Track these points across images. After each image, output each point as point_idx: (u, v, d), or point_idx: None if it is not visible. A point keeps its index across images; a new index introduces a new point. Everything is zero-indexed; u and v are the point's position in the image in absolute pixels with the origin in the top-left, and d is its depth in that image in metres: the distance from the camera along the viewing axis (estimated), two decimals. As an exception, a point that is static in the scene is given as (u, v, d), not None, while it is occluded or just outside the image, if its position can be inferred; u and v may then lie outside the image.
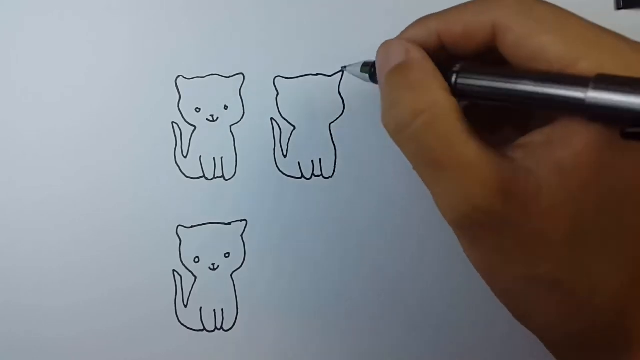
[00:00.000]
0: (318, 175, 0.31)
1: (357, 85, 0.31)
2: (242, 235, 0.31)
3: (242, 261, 0.31)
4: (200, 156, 0.31)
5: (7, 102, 0.31)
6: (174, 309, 0.31)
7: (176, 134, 0.31)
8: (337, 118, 0.31)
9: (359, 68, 0.26)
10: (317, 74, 0.31)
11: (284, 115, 0.31)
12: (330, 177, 0.31)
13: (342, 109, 0.31)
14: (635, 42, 0.19)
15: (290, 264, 0.31)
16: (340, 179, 0.31)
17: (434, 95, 0.20)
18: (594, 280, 0.19)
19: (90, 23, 0.31)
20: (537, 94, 0.19)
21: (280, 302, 0.31)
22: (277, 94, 0.31)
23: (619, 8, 0.30)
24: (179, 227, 0.31)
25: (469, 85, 0.21)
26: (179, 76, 0.31)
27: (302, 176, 0.31)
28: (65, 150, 0.31)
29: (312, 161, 0.31)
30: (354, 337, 0.31)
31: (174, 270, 0.31)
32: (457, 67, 0.21)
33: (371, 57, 0.31)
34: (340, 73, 0.31)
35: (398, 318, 0.31)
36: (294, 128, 0.31)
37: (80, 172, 0.31)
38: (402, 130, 0.21)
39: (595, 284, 0.19)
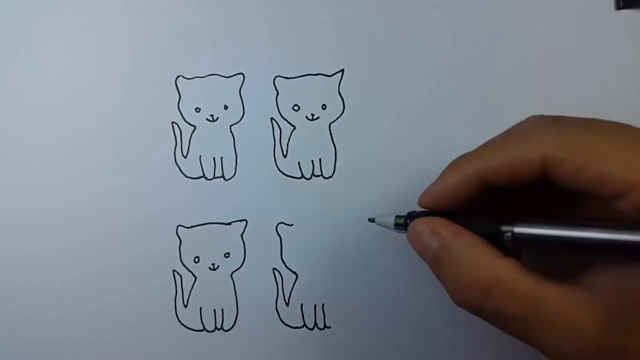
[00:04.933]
0: (318, 175, 0.31)
1: (357, 85, 0.31)
2: (242, 235, 0.31)
3: (242, 261, 0.31)
4: (200, 156, 0.31)
5: (6, 102, 0.31)
6: (174, 309, 0.31)
7: (176, 134, 0.31)
8: (337, 118, 0.31)
9: (391, 221, 0.25)
10: (317, 74, 0.31)
11: (284, 115, 0.31)
12: (330, 177, 0.31)
13: (342, 109, 0.31)
14: None
15: (290, 264, 0.31)
16: (340, 179, 0.31)
17: (488, 270, 0.20)
18: None
19: (91, 24, 0.31)
20: (608, 240, 0.18)
21: (280, 302, 0.31)
22: (277, 94, 0.31)
23: (619, 8, 0.30)
24: (179, 227, 0.31)
25: (525, 239, 0.20)
26: (179, 76, 0.31)
27: (302, 176, 0.31)
28: (65, 150, 0.31)
29: (312, 161, 0.31)
30: (354, 336, 0.31)
31: (174, 270, 0.31)
32: (508, 234, 0.20)
33: (372, 60, 0.31)
34: (340, 73, 0.31)
35: (397, 318, 0.31)
36: (294, 128, 0.31)
37: (80, 172, 0.31)
38: (481, 311, 0.20)
39: None
